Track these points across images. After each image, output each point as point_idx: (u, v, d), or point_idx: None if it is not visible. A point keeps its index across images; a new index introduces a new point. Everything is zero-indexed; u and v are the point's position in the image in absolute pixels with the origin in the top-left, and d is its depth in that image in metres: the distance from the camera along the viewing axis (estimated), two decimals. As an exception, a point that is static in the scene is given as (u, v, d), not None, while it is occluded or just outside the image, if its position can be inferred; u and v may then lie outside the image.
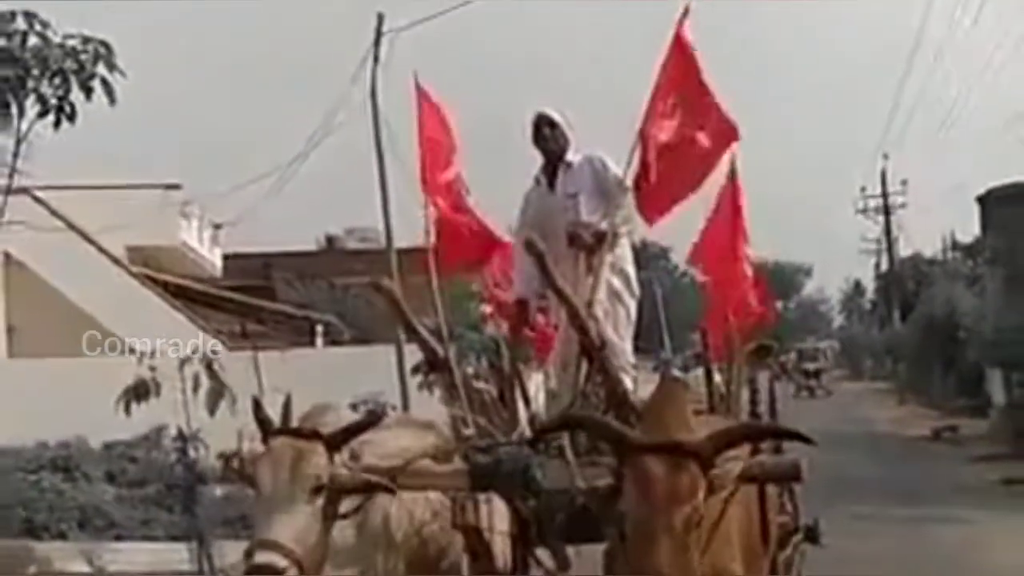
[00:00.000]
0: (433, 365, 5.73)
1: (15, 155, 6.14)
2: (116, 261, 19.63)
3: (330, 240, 43.87)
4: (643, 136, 5.91)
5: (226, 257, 27.93)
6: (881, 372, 56.86)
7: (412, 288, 6.94)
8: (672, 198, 6.17)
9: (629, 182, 5.98)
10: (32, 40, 6.00)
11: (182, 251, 23.16)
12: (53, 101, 6.10)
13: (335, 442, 4.19)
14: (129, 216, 18.94)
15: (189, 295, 21.26)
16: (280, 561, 3.85)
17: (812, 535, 5.53)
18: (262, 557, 3.86)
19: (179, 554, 9.59)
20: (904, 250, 52.49)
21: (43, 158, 7.01)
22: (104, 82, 6.03)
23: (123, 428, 13.64)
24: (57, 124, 6.16)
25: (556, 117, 6.31)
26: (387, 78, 13.30)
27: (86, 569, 9.04)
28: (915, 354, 34.18)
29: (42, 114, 6.18)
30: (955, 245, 45.58)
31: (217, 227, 26.04)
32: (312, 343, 23.68)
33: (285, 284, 28.38)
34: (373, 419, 4.43)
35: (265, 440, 4.24)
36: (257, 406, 4.39)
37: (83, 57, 6.02)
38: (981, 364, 26.45)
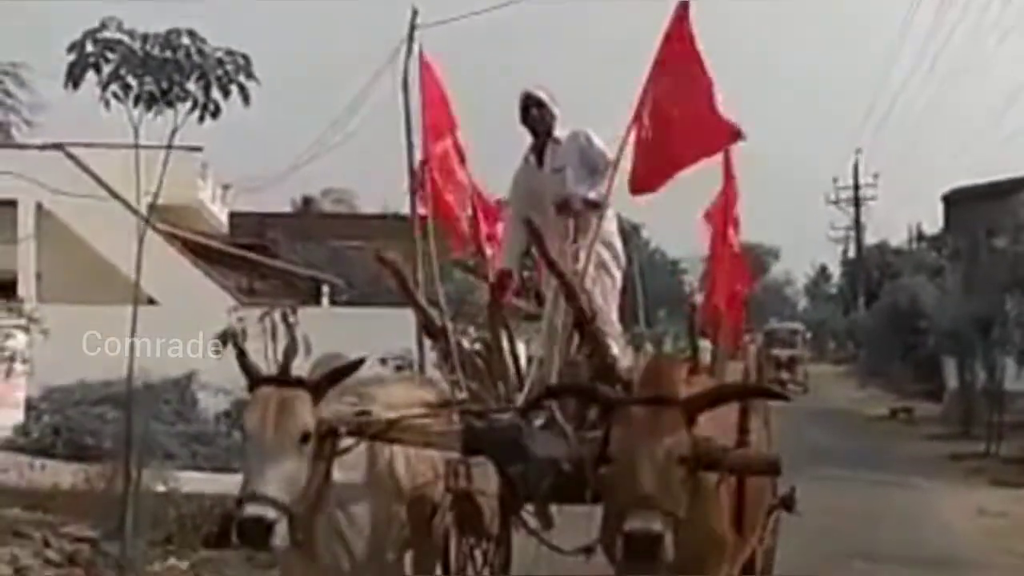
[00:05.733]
0: (431, 333, 5.94)
1: (169, 143, 7.31)
2: (137, 214, 20.44)
3: (306, 201, 44.51)
4: (637, 113, 5.95)
5: (231, 216, 28.68)
6: (843, 355, 57.81)
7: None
8: (662, 174, 6.07)
9: (627, 162, 5.95)
10: (192, 52, 7.14)
11: (198, 210, 23.97)
12: (202, 101, 7.23)
13: (319, 388, 4.26)
14: (153, 174, 19.81)
15: (198, 250, 21.94)
16: (269, 512, 3.95)
17: (788, 504, 5.62)
18: (252, 509, 3.96)
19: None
20: (871, 239, 53.55)
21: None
22: (241, 88, 7.03)
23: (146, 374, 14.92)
24: (202, 119, 7.29)
25: (542, 96, 6.37)
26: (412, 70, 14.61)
27: (162, 488, 10.16)
28: (877, 340, 34.46)
29: (191, 110, 7.15)
30: (921, 236, 46.46)
31: (225, 187, 26.89)
32: (318, 302, 24.43)
33: (287, 243, 29.34)
34: (354, 365, 4.43)
35: (252, 389, 4.29)
36: (241, 354, 4.45)
37: (228, 67, 7.16)
38: (938, 352, 27.04)
